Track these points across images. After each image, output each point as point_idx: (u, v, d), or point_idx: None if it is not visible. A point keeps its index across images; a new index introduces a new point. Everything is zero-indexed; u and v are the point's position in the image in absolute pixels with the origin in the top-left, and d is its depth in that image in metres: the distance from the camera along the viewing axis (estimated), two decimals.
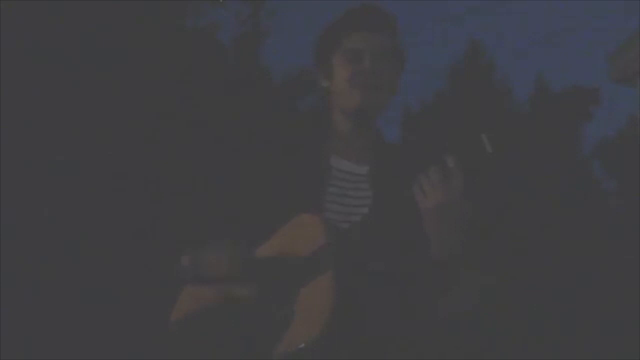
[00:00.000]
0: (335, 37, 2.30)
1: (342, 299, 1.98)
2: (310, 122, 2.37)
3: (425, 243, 2.08)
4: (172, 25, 9.95)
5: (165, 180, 7.67)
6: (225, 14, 11.62)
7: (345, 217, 2.18)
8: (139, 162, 8.42)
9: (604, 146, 16.10)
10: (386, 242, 2.10)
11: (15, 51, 7.57)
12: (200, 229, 2.24)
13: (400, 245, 2.11)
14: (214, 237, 2.19)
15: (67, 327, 6.79)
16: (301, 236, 2.09)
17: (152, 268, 7.57)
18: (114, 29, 8.57)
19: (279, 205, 2.18)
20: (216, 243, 2.17)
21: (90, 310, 7.01)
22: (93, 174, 7.88)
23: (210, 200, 2.28)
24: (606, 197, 14.94)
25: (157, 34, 9.25)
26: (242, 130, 2.33)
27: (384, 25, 2.30)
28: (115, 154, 8.05)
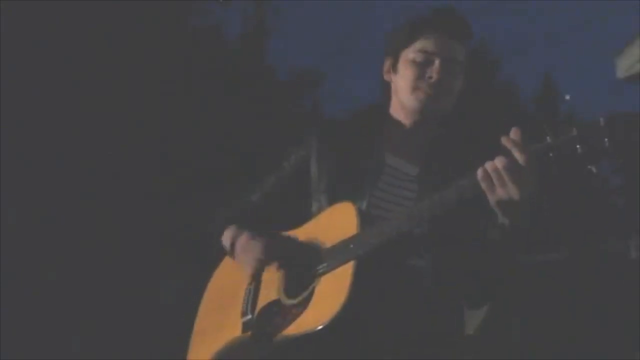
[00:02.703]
0: (412, 33, 2.21)
1: (355, 293, 1.97)
2: (367, 115, 2.32)
3: (452, 250, 2.09)
4: (177, 24, 9.97)
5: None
6: (229, 13, 11.63)
7: (387, 215, 2.12)
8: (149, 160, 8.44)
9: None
10: (415, 243, 2.09)
11: (16, 51, 7.58)
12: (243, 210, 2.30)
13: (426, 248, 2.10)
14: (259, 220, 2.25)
15: (67, 327, 6.82)
16: (335, 224, 2.10)
17: (156, 269, 7.59)
18: (117, 28, 8.59)
19: (327, 196, 2.19)
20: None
21: (91, 310, 7.04)
22: (93, 174, 7.90)
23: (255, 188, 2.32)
24: (610, 194, 14.92)
25: (162, 32, 9.26)
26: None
27: (464, 35, 2.23)
28: (114, 154, 8.07)
